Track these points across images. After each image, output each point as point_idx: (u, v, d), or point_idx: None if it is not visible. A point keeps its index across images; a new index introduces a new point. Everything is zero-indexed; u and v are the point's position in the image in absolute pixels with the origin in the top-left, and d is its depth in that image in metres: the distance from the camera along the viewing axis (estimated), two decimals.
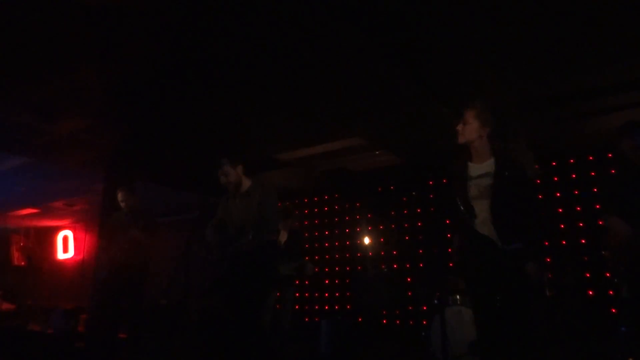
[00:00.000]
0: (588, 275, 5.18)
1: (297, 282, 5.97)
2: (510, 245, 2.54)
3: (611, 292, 4.98)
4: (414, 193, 6.72)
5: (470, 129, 2.71)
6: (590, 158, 5.51)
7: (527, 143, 2.82)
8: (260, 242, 3.43)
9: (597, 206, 4.75)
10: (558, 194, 5.64)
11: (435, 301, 4.93)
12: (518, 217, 2.56)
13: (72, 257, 10.69)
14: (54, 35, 3.31)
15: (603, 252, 3.27)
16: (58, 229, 10.89)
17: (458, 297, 4.78)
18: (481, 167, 2.71)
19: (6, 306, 8.87)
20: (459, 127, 2.75)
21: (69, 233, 10.85)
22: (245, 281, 3.46)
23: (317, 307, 7.26)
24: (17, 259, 11.03)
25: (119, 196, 4.93)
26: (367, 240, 6.89)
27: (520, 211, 2.57)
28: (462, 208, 2.71)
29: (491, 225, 2.60)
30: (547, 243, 5.51)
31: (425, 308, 5.99)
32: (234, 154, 3.71)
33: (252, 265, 3.46)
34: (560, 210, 5.58)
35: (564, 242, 5.45)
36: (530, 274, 2.49)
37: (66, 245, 10.82)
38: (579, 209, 5.46)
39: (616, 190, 3.30)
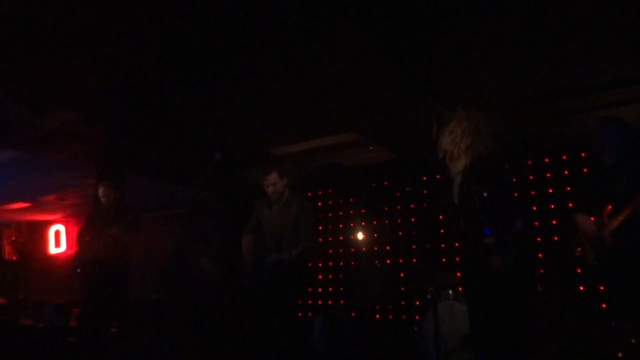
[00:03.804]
0: (579, 270, 5.22)
1: None
2: (483, 238, 2.63)
3: (602, 288, 5.03)
4: (407, 189, 6.74)
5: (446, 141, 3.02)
6: (583, 155, 5.53)
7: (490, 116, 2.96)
8: (300, 254, 3.65)
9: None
10: (550, 190, 5.67)
11: (428, 296, 4.96)
12: (487, 211, 2.65)
13: (64, 252, 10.63)
14: (45, 25, 3.27)
15: (577, 250, 3.31)
16: (50, 223, 10.82)
17: (450, 291, 4.81)
18: (457, 165, 2.92)
19: None
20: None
21: (60, 227, 10.78)
22: (285, 289, 3.83)
23: (310, 302, 7.27)
24: (9, 253, 10.98)
25: (100, 192, 4.83)
26: (360, 236, 6.90)
27: (488, 205, 2.65)
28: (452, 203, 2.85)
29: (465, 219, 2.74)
30: (539, 239, 5.55)
31: (418, 303, 6.01)
32: (268, 162, 3.96)
33: (292, 275, 3.80)
34: (552, 206, 5.61)
35: (555, 238, 5.49)
36: (495, 266, 2.53)
37: (58, 240, 10.75)
38: (570, 205, 5.48)
39: (585, 188, 3.34)
